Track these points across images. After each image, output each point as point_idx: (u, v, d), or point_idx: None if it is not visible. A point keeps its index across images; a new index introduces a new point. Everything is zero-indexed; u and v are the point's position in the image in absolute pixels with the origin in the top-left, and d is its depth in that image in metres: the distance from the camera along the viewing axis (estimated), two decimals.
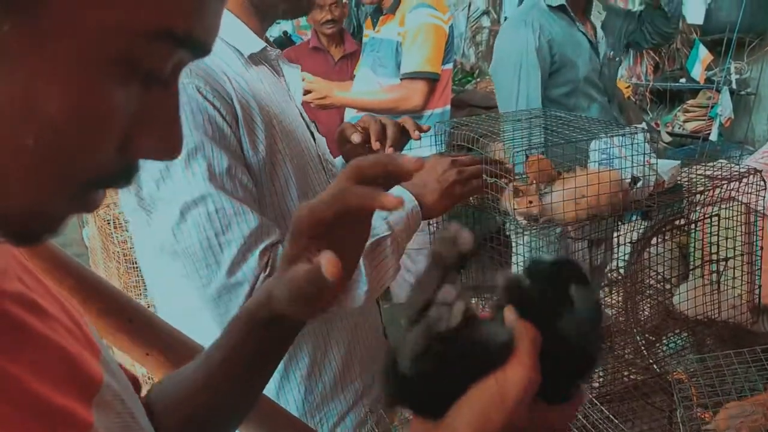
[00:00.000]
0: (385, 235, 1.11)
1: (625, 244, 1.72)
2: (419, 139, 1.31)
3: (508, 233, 1.84)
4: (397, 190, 1.16)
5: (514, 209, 1.16)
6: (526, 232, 1.26)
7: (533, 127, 1.31)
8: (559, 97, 2.46)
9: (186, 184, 1.01)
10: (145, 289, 2.47)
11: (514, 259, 1.76)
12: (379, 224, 1.13)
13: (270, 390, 1.27)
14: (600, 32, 2.60)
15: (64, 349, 0.47)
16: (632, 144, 1.19)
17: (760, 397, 1.06)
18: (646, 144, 1.20)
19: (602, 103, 2.56)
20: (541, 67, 2.39)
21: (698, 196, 1.29)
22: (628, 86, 4.71)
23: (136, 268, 2.44)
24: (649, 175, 1.18)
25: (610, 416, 1.20)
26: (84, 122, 0.37)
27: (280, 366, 1.27)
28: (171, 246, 1.06)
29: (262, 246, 1.04)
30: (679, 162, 1.33)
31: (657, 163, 1.21)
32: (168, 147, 0.42)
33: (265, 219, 1.08)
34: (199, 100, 1.01)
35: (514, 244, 1.82)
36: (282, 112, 1.18)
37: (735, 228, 1.46)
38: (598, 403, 1.30)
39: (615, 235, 1.70)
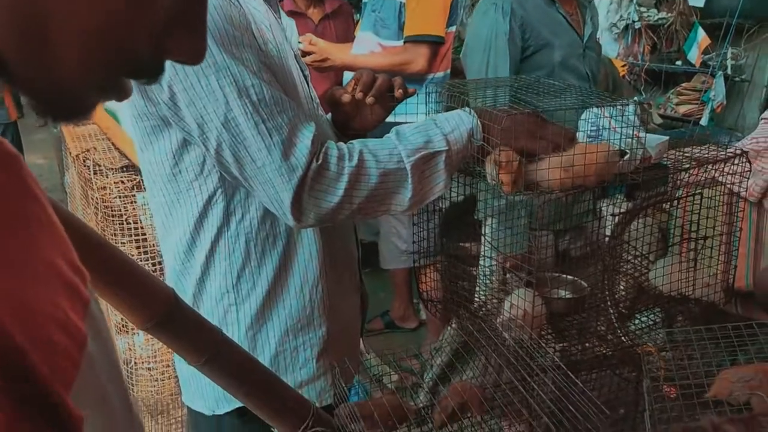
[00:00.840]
0: (440, 150, 1.17)
1: (607, 216, 1.73)
2: (400, 97, 1.33)
3: (478, 217, 1.85)
4: (464, 112, 1.20)
5: (493, 176, 1.16)
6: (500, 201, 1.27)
7: (518, 91, 1.31)
8: None
9: (225, 78, 1.07)
10: (122, 239, 2.46)
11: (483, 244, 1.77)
12: (438, 139, 1.17)
13: (242, 335, 1.28)
14: (590, 11, 2.55)
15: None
16: (622, 116, 1.19)
17: (755, 365, 1.08)
18: (636, 117, 1.20)
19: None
20: (512, 53, 2.32)
21: (683, 173, 1.30)
22: (624, 65, 4.69)
23: (114, 215, 2.42)
24: (636, 149, 1.19)
25: (580, 384, 1.22)
26: (137, 9, 0.40)
27: (254, 313, 1.28)
28: (218, 143, 1.10)
29: (308, 133, 1.11)
30: (667, 138, 1.33)
31: (645, 137, 1.22)
32: (196, 50, 0.46)
33: (301, 110, 1.15)
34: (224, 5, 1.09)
35: (483, 226, 1.83)
36: (282, 50, 1.21)
37: (716, 208, 1.47)
38: (570, 373, 1.32)
39: (598, 207, 1.72)
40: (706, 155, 1.54)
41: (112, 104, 2.14)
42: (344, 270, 1.40)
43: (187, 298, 1.28)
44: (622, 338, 1.59)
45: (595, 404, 1.14)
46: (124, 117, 2.43)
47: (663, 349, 1.33)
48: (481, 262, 1.86)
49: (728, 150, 1.53)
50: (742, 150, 1.42)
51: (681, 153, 1.52)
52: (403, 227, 3.39)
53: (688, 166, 1.31)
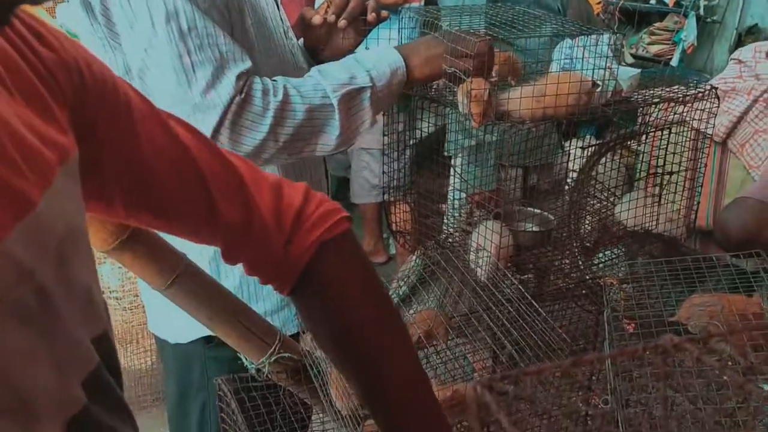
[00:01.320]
0: (364, 86, 1.13)
1: (576, 150, 1.73)
2: (373, 21, 1.29)
3: (448, 153, 1.84)
4: (387, 48, 1.16)
5: (465, 105, 1.15)
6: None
7: (493, 18, 1.28)
8: None
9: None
10: None
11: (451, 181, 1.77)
12: (362, 75, 1.13)
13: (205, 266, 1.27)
14: None
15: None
16: (596, 47, 1.17)
17: (719, 294, 1.11)
18: (609, 49, 1.18)
19: None
20: None
21: (652, 107, 1.30)
22: (599, 2, 4.63)
23: None
24: (608, 80, 1.18)
25: (543, 314, 1.24)
26: None
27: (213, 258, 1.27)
28: (140, 68, 1.04)
29: (237, 70, 1.05)
30: (639, 71, 1.32)
31: (618, 70, 1.21)
32: None
33: (239, 45, 1.08)
34: None
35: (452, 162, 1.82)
36: None
37: (682, 144, 1.48)
38: (535, 303, 1.34)
39: (567, 147, 1.72)
40: (676, 94, 1.54)
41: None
42: None
43: None
44: (585, 273, 1.62)
45: (557, 333, 1.16)
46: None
47: (624, 281, 1.36)
48: (450, 196, 1.86)
49: (698, 88, 1.53)
50: (711, 86, 1.42)
51: (651, 91, 1.52)
52: (374, 161, 3.37)
53: (657, 101, 1.30)
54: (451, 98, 1.24)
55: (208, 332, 1.22)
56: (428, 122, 1.44)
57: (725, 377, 0.84)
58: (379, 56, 1.16)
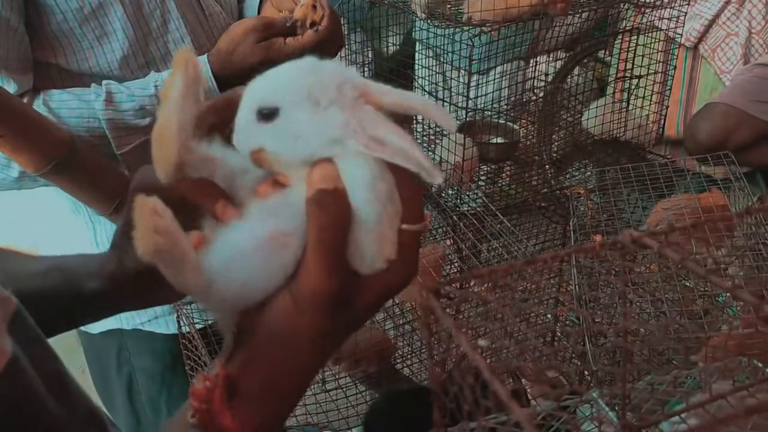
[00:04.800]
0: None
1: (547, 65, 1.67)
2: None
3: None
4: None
5: (427, 4, 1.07)
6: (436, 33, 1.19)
7: None
8: None
9: None
10: None
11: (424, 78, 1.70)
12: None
13: None
14: None
15: None
16: None
17: (687, 195, 1.08)
18: None
19: None
20: None
21: (623, 5, 1.24)
22: None
23: None
24: None
25: (508, 224, 1.21)
26: None
27: None
28: None
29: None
30: None
31: None
32: None
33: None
34: None
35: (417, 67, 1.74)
36: None
37: (652, 47, 1.43)
38: (500, 215, 1.32)
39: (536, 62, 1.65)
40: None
41: None
42: None
43: None
44: (554, 185, 1.59)
45: (521, 243, 1.14)
46: None
47: (592, 191, 1.33)
48: None
49: None
50: None
51: None
52: None
53: (627, 7, 1.24)
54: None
55: (119, 325, 1.19)
56: (394, 33, 1.36)
57: (687, 271, 0.82)
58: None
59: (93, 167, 0.95)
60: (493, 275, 0.44)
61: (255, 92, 0.40)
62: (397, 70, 1.62)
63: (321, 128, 0.38)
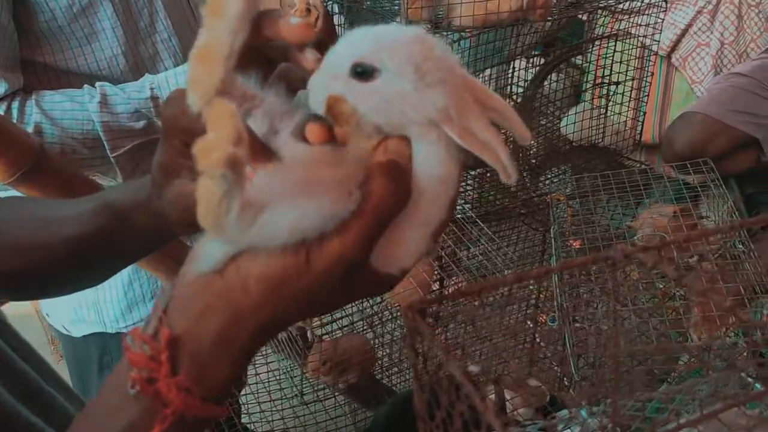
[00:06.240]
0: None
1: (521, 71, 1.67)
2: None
3: None
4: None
5: (407, 9, 1.06)
6: None
7: None
8: None
9: None
10: None
11: None
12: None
13: None
14: None
15: None
16: None
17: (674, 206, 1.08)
18: None
19: None
20: None
21: (600, 18, 1.24)
22: None
23: None
24: None
25: (489, 233, 1.20)
26: None
27: None
28: None
29: None
30: None
31: None
32: None
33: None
34: None
35: None
36: None
37: (629, 52, 1.43)
38: (480, 222, 1.31)
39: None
40: (622, 6, 1.49)
41: None
42: None
43: None
44: (532, 191, 1.59)
45: (503, 253, 1.13)
46: None
47: (571, 197, 1.33)
48: None
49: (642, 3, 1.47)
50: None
51: (597, 3, 1.46)
52: None
53: (603, 5, 1.24)
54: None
55: (101, 329, 1.16)
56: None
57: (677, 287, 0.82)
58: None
59: (63, 176, 0.92)
60: (484, 292, 0.42)
61: (355, 44, 0.36)
62: None
63: (421, 104, 0.35)
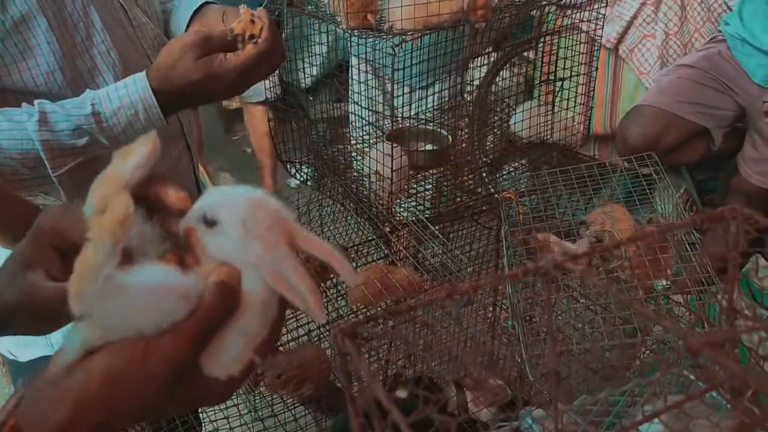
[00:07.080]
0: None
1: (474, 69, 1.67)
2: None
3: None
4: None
5: (347, 14, 1.04)
6: (360, 43, 1.16)
7: None
8: None
9: None
10: None
11: (355, 87, 1.67)
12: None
13: None
14: None
15: None
16: None
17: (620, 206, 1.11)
18: None
19: None
20: None
21: (547, 8, 1.24)
22: None
23: None
24: None
25: (439, 235, 1.20)
26: None
27: None
28: None
29: None
30: None
31: None
32: None
33: None
34: None
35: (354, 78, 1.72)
36: None
37: (574, 48, 1.44)
38: (430, 225, 1.30)
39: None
40: (567, 1, 1.50)
41: None
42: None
43: None
44: (490, 189, 1.59)
45: (454, 255, 1.12)
46: None
47: (522, 194, 1.33)
48: (351, 118, 1.77)
49: None
50: None
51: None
52: None
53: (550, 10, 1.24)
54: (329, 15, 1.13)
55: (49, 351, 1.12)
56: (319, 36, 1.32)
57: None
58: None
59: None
60: (414, 310, 0.41)
61: (208, 200, 0.49)
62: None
63: (244, 251, 0.47)
